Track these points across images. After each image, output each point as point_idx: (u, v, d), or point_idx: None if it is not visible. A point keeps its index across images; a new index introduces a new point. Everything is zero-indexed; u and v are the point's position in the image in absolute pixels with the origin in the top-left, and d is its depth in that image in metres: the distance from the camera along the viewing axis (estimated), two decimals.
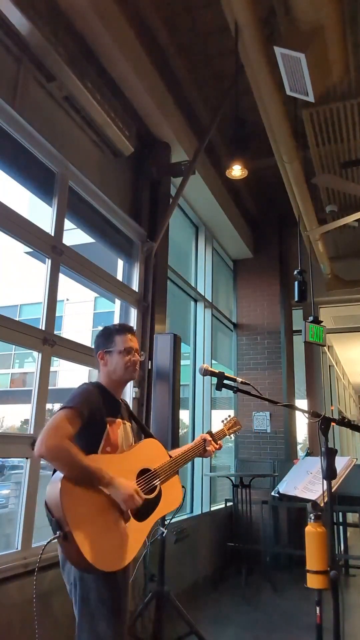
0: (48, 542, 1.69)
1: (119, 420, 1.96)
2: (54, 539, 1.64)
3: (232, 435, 2.38)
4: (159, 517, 1.96)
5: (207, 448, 2.17)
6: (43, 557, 2.65)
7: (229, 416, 2.41)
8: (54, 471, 1.72)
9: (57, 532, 1.62)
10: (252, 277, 6.81)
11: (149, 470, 1.95)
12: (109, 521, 1.73)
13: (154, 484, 1.93)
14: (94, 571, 1.63)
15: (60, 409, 1.76)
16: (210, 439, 2.20)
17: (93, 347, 2.12)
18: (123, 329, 2.08)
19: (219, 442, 2.24)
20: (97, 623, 1.68)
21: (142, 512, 1.84)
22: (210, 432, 2.25)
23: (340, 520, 5.48)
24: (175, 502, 2.03)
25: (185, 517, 4.77)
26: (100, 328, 2.13)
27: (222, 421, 2.40)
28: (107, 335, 2.06)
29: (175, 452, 2.13)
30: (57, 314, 3.09)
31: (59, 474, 1.67)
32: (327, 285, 6.14)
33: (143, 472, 1.93)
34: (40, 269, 3.14)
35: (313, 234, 5.13)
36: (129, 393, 3.85)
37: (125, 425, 2.00)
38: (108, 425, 1.88)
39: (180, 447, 2.19)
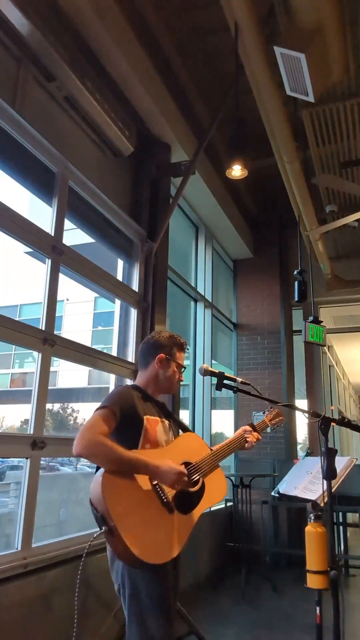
0: (95, 537, 1.72)
1: (156, 418, 1.99)
2: (100, 533, 1.65)
3: (275, 428, 2.37)
4: (204, 509, 1.96)
5: (247, 439, 2.18)
6: (43, 558, 2.66)
7: (271, 407, 2.39)
8: (97, 469, 1.74)
9: (103, 527, 1.63)
10: (252, 277, 6.81)
11: (190, 464, 1.96)
12: (154, 514, 1.74)
13: (196, 476, 1.94)
14: (140, 565, 1.64)
15: (97, 409, 1.81)
16: (250, 429, 2.21)
17: (143, 344, 2.17)
18: (185, 347, 2.17)
19: (258, 433, 2.25)
20: (147, 620, 1.69)
21: (187, 505, 1.86)
22: (251, 424, 2.26)
23: (340, 520, 5.48)
24: (219, 494, 2.05)
25: None
26: (167, 334, 2.16)
27: (264, 412, 2.40)
28: (171, 346, 2.11)
29: (217, 445, 2.15)
30: (57, 314, 3.09)
31: (101, 470, 1.70)
32: (327, 285, 6.14)
33: (185, 465, 1.93)
34: (40, 269, 3.14)
35: (313, 234, 5.12)
36: None
37: (163, 422, 2.02)
38: (146, 423, 1.90)
39: (223, 442, 2.20)
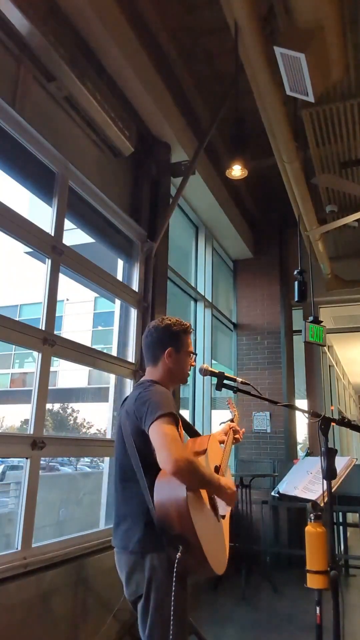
0: (177, 561, 1.60)
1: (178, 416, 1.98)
2: (178, 554, 1.59)
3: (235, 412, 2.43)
4: (229, 510, 1.97)
5: (236, 436, 2.22)
6: (43, 558, 2.66)
7: (227, 402, 2.46)
8: (147, 481, 1.70)
9: (179, 547, 1.59)
10: (252, 277, 6.81)
11: (218, 467, 1.97)
12: (213, 525, 1.76)
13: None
14: (183, 578, 1.65)
15: (158, 417, 1.68)
16: (233, 425, 2.24)
17: (145, 339, 2.03)
18: (190, 330, 2.04)
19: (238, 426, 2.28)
20: (169, 632, 1.66)
21: (217, 509, 1.87)
22: (231, 420, 2.30)
23: (340, 520, 5.49)
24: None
25: None
26: (167, 322, 2.02)
27: (227, 405, 2.45)
28: (176, 333, 1.99)
29: (214, 443, 2.13)
30: (57, 314, 3.09)
31: (176, 488, 1.62)
32: (327, 285, 6.14)
33: (215, 469, 1.95)
34: (40, 269, 3.14)
35: (313, 234, 5.12)
36: (128, 392, 3.85)
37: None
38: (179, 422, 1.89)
39: (205, 436, 2.16)
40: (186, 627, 1.75)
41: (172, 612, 1.61)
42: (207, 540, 1.64)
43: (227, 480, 1.79)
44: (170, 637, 1.65)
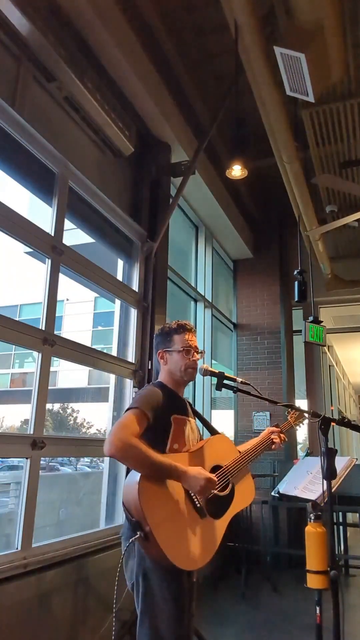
0: (129, 544, 1.69)
1: (184, 417, 1.98)
2: (135, 539, 1.64)
3: (299, 426, 2.39)
4: (234, 513, 1.96)
5: (274, 440, 2.18)
6: (43, 558, 2.66)
7: (292, 409, 2.41)
8: (128, 471, 1.74)
9: (138, 533, 1.62)
10: (252, 277, 6.81)
11: (220, 467, 1.95)
12: (188, 520, 1.74)
13: (226, 480, 1.94)
14: (173, 568, 1.65)
15: (127, 410, 1.79)
16: (277, 430, 2.22)
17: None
18: (182, 328, 2.08)
19: (284, 434, 2.26)
20: (158, 620, 1.69)
21: (218, 509, 1.86)
22: (277, 425, 2.27)
23: (340, 520, 5.49)
24: (248, 497, 2.04)
25: None
26: (162, 326, 2.16)
27: (286, 413, 2.42)
28: (165, 334, 2.08)
29: (244, 447, 2.14)
30: (57, 314, 3.09)
31: (135, 475, 1.68)
32: (327, 285, 6.14)
33: (215, 469, 1.93)
34: (40, 269, 3.14)
35: (313, 234, 5.12)
36: (129, 393, 3.85)
37: (190, 422, 2.01)
38: (174, 423, 1.90)
39: (248, 442, 2.18)
40: (179, 615, 1.72)
41: (161, 599, 1.67)
42: (169, 532, 1.64)
43: (199, 470, 1.77)
44: (160, 624, 1.66)
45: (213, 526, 1.82)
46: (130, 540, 1.67)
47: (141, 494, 1.63)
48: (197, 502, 1.79)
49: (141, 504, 1.61)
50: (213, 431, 2.17)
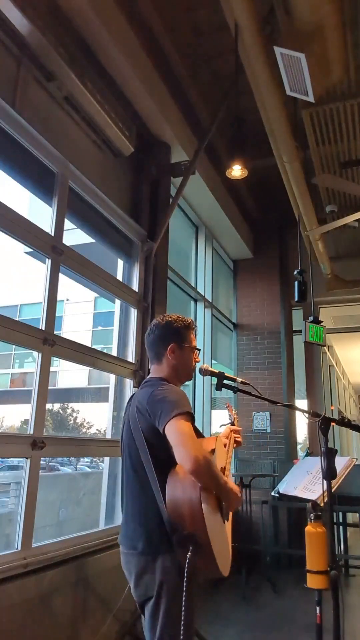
0: (188, 562, 1.57)
1: None
2: (188, 554, 1.57)
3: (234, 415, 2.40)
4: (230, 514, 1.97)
5: (237, 439, 2.17)
6: (43, 558, 2.66)
7: (226, 404, 2.42)
8: (138, 477, 1.70)
9: (189, 547, 1.56)
10: (252, 277, 6.81)
11: (223, 469, 1.94)
12: (221, 527, 1.74)
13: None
14: (213, 577, 1.65)
15: (175, 416, 1.65)
16: (235, 428, 2.20)
17: (149, 337, 2.00)
18: (192, 325, 2.01)
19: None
20: (179, 636, 1.62)
21: (224, 511, 1.85)
22: (231, 423, 2.25)
23: (340, 520, 5.48)
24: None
25: None
26: (169, 319, 1.99)
27: (226, 408, 2.41)
28: (180, 329, 1.97)
29: (221, 451, 2.11)
30: (57, 314, 3.09)
31: (184, 486, 1.61)
32: (327, 285, 6.14)
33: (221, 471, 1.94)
34: (40, 269, 3.14)
35: (313, 234, 5.12)
36: (129, 393, 3.85)
37: None
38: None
39: (212, 437, 2.15)
40: (193, 628, 1.73)
41: (182, 615, 1.58)
42: (216, 541, 1.62)
43: (234, 484, 1.77)
44: (181, 638, 1.63)
45: (227, 529, 1.83)
46: (188, 556, 1.58)
47: (204, 506, 1.59)
48: (224, 509, 1.79)
49: (206, 518, 1.57)
50: (196, 429, 2.16)
